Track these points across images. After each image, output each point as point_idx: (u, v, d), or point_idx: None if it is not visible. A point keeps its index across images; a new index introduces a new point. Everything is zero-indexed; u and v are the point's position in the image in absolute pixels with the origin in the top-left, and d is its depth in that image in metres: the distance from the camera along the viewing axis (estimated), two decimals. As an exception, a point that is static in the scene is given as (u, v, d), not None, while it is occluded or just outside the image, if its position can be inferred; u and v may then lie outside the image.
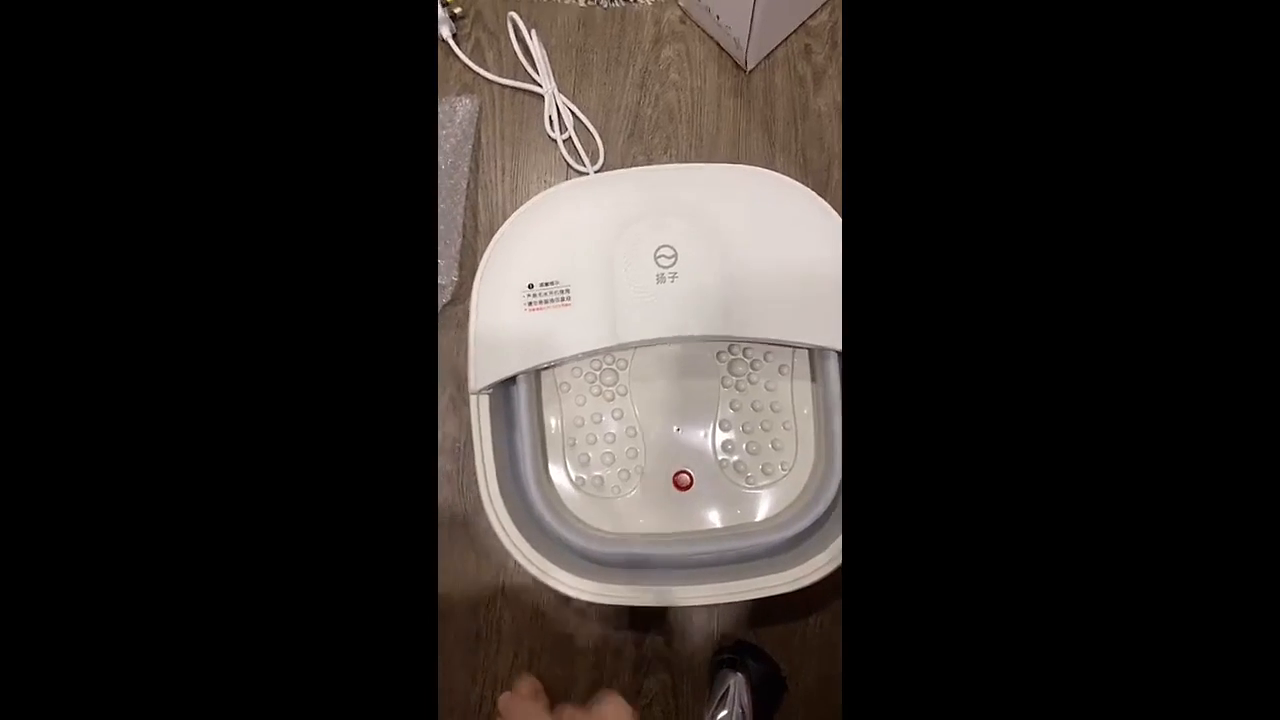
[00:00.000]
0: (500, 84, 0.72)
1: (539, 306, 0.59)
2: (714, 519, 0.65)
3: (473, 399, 0.59)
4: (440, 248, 0.68)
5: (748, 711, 0.59)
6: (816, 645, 0.67)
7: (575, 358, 0.61)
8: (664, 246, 0.59)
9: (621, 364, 0.66)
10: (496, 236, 0.60)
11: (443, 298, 0.68)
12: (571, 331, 0.59)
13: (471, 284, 0.60)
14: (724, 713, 0.59)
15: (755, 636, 0.66)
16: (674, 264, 0.59)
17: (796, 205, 0.61)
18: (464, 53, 0.71)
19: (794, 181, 0.61)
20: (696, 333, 0.59)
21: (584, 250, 0.59)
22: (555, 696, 0.64)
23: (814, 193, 0.61)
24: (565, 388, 0.67)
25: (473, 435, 0.59)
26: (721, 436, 0.66)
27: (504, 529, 0.58)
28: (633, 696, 0.66)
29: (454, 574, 0.67)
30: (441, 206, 0.68)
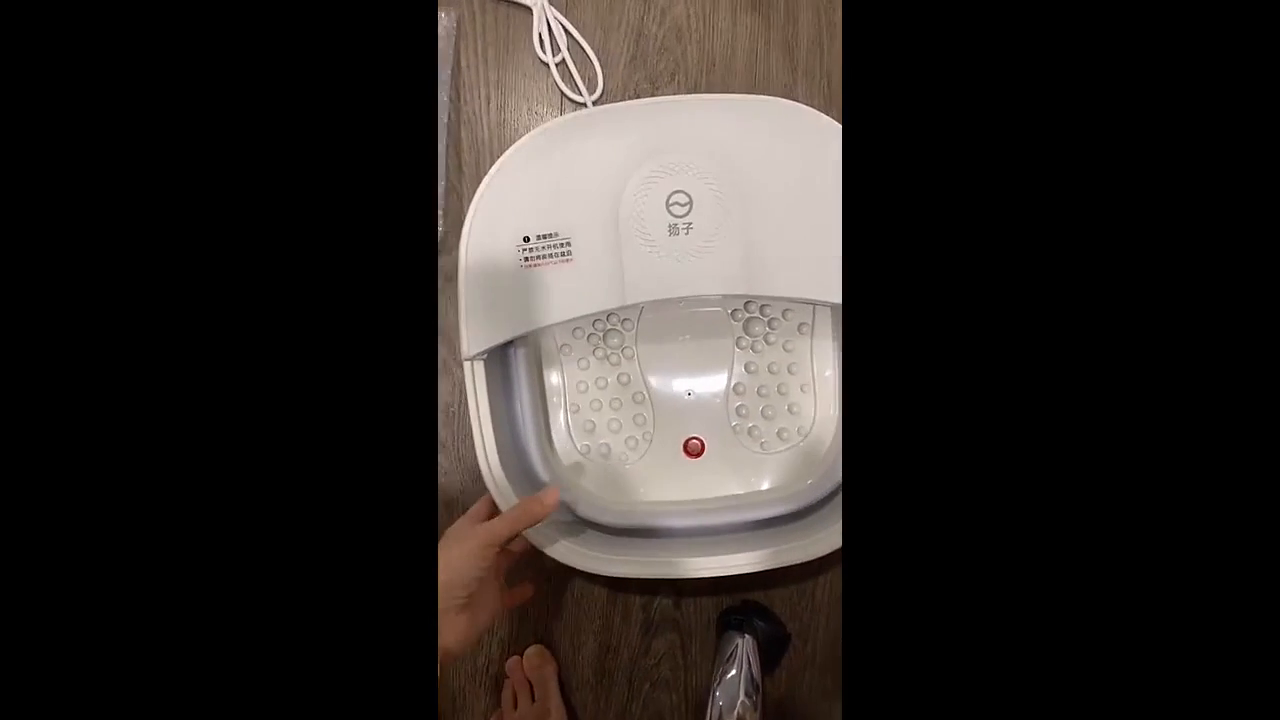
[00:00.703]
0: None
1: (537, 262, 0.52)
2: (726, 486, 0.61)
3: (466, 365, 0.54)
4: None
5: (756, 671, 0.58)
6: (826, 603, 0.64)
7: (579, 320, 0.56)
8: (677, 193, 0.52)
9: (627, 324, 0.60)
10: (485, 182, 0.53)
11: None
12: (574, 291, 0.52)
13: (459, 234, 0.52)
14: (732, 672, 0.58)
15: (764, 595, 0.64)
16: (688, 212, 0.52)
17: (825, 145, 0.52)
18: (439, -44, 0.61)
19: (822, 116, 0.53)
20: (713, 291, 0.52)
21: (586, 198, 0.52)
22: (563, 661, 0.64)
23: (837, 124, 0.53)
24: (566, 350, 0.61)
25: (468, 402, 0.54)
26: (735, 401, 0.61)
27: (504, 500, 0.54)
28: (641, 656, 0.64)
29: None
30: None
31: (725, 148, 0.52)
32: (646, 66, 0.63)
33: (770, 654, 0.61)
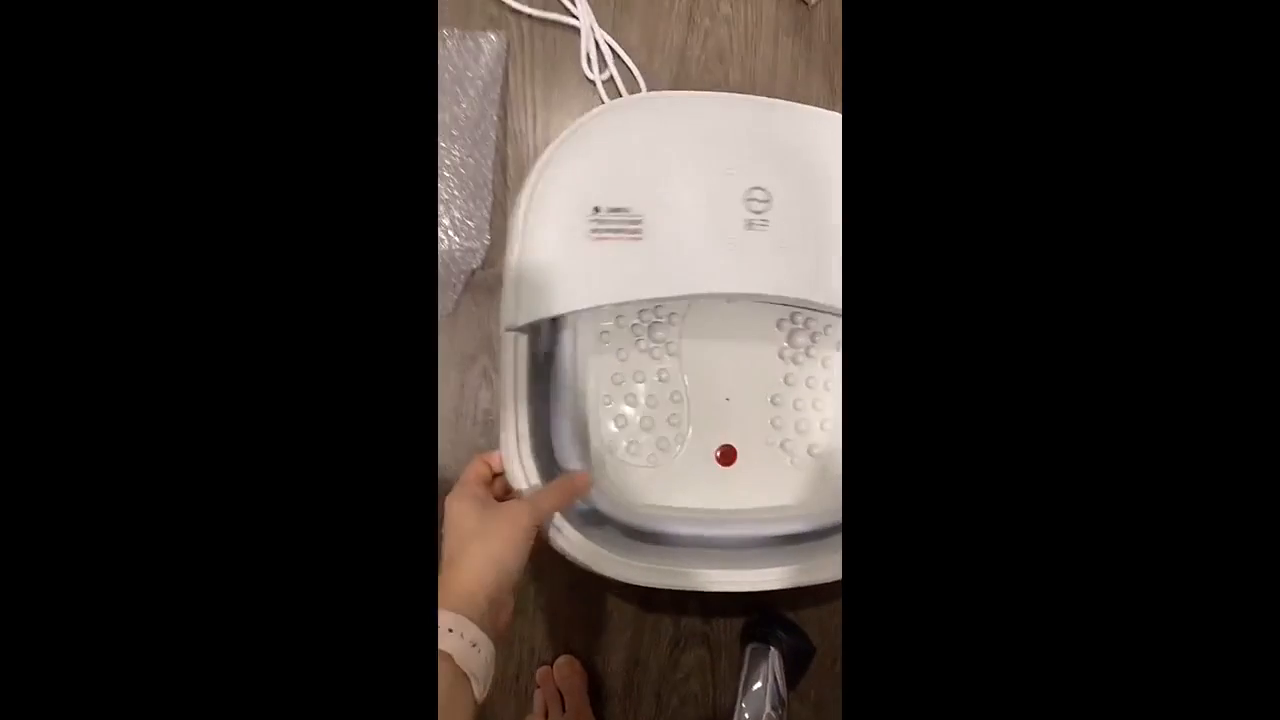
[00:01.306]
0: (531, 15, 0.62)
1: (605, 235, 0.49)
2: (755, 499, 0.59)
3: (507, 338, 0.50)
4: (470, 207, 0.59)
5: (782, 685, 0.58)
6: None
7: (642, 302, 0.53)
8: (757, 189, 0.51)
9: (674, 317, 0.58)
10: (553, 146, 0.51)
11: (473, 261, 0.59)
12: (641, 270, 0.50)
13: (503, 247, 0.51)
14: (758, 685, 0.58)
15: (791, 609, 0.63)
16: (766, 210, 0.51)
17: None
18: (489, -21, 0.61)
19: None
20: (783, 293, 0.52)
21: (662, 176, 0.50)
22: (591, 672, 0.62)
23: None
24: (605, 337, 0.58)
25: (503, 384, 0.51)
26: (772, 412, 0.59)
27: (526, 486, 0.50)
28: (669, 671, 0.63)
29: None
30: (469, 160, 0.59)
31: (807, 154, 0.52)
32: (690, 86, 0.64)
33: (795, 667, 0.60)
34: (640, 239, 0.50)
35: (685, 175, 0.50)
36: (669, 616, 0.62)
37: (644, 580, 0.52)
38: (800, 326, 0.60)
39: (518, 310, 0.50)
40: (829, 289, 0.52)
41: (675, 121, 0.52)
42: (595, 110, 0.51)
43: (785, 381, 0.60)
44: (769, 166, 0.51)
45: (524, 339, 0.50)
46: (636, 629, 0.62)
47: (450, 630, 0.39)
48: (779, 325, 0.60)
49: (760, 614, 0.62)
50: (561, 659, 0.60)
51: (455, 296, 0.60)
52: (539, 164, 0.51)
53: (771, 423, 0.60)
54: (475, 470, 0.50)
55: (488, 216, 0.61)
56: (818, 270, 0.52)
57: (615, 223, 0.50)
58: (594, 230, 0.49)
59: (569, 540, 0.50)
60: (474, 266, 0.60)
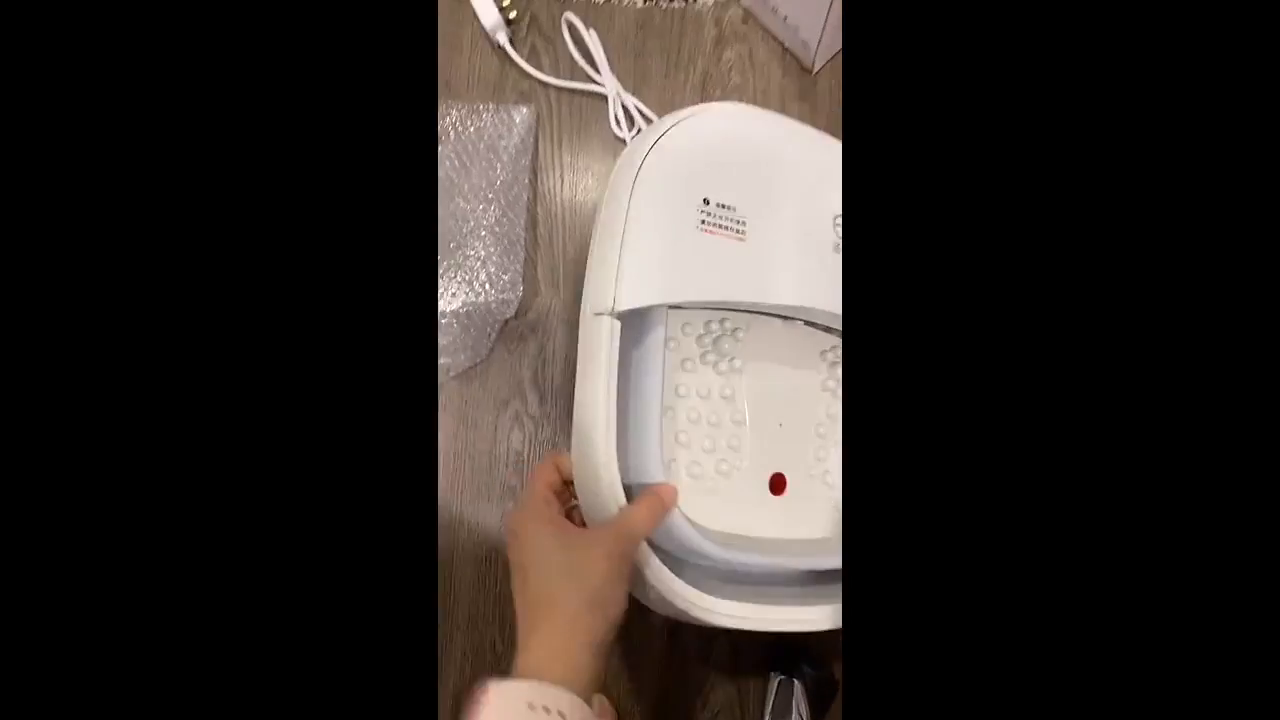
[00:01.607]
0: (560, 87, 0.69)
1: (713, 229, 0.50)
2: (800, 530, 0.57)
3: (598, 323, 0.47)
4: (504, 262, 0.64)
5: (806, 718, 0.57)
6: None
7: (741, 306, 0.53)
8: (841, 217, 0.54)
9: (738, 333, 0.58)
10: (659, 130, 0.50)
11: (507, 312, 0.63)
12: (744, 271, 0.50)
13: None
14: None
15: (816, 640, 0.59)
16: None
17: None
18: (520, 57, 0.68)
19: None
20: None
21: (764, 184, 0.52)
22: (621, 710, 0.59)
23: None
24: (672, 344, 0.56)
25: (591, 371, 0.47)
26: (816, 443, 0.60)
27: (613, 501, 0.45)
28: (699, 710, 0.62)
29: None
30: (504, 219, 0.65)
31: None
32: None
33: (820, 702, 0.58)
34: (744, 240, 0.51)
35: (784, 188, 0.53)
36: (696, 653, 0.62)
37: (728, 622, 0.48)
38: (838, 361, 0.62)
39: (618, 294, 0.47)
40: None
41: (775, 134, 0.55)
42: (699, 107, 0.53)
43: (827, 414, 0.61)
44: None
45: (619, 325, 0.48)
46: (663, 666, 0.62)
47: (547, 710, 0.33)
48: (822, 356, 0.62)
49: (786, 646, 0.60)
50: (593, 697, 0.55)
51: (489, 344, 0.64)
52: (641, 144, 0.51)
53: (815, 455, 0.60)
54: (544, 477, 0.46)
55: (520, 270, 0.65)
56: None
57: (724, 219, 0.51)
58: (703, 222, 0.50)
59: (658, 577, 0.46)
60: (508, 316, 0.64)
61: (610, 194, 0.50)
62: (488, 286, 0.62)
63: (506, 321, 0.64)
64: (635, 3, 0.72)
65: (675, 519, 0.48)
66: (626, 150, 0.53)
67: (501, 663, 0.60)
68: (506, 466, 0.63)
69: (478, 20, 0.67)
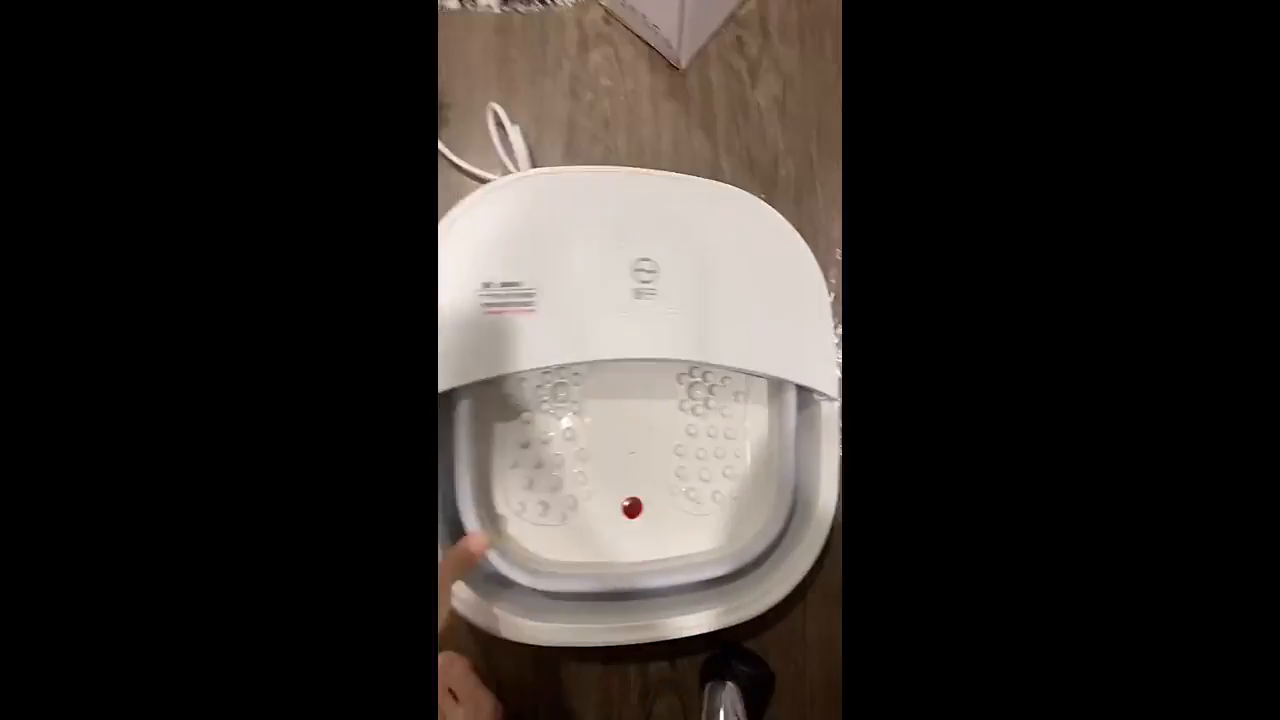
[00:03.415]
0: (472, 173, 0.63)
1: (498, 309, 0.52)
2: (663, 548, 0.60)
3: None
4: None
5: (743, 718, 0.57)
6: (818, 640, 0.64)
7: (536, 371, 0.56)
8: (645, 260, 0.54)
9: (576, 378, 0.60)
10: (447, 222, 0.53)
11: None
12: (535, 340, 0.52)
13: None
14: None
15: (754, 640, 0.62)
16: (654, 280, 0.54)
17: (771, 233, 0.59)
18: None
19: (769, 208, 0.60)
20: (673, 355, 0.54)
21: (552, 251, 0.53)
22: None
23: (787, 222, 0.60)
24: (507, 400, 0.60)
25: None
26: (676, 462, 0.62)
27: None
28: None
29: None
30: None
31: (688, 223, 0.56)
32: (581, 154, 0.67)
33: (757, 697, 0.60)
34: (533, 311, 0.52)
35: (575, 249, 0.53)
36: (635, 667, 0.62)
37: (568, 640, 0.53)
38: (699, 380, 0.63)
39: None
40: (718, 349, 0.55)
41: (561, 198, 0.55)
42: (479, 190, 0.54)
43: (688, 433, 0.62)
44: (654, 237, 0.55)
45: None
46: (604, 689, 0.62)
47: None
48: (679, 379, 0.62)
49: (717, 649, 0.62)
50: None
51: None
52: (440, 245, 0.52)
53: (676, 472, 0.62)
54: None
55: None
56: (705, 332, 0.55)
57: (507, 296, 0.52)
58: (485, 304, 0.52)
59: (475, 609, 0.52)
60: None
61: None
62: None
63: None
64: (492, 8, 0.66)
65: (492, 558, 0.53)
66: None
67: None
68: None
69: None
